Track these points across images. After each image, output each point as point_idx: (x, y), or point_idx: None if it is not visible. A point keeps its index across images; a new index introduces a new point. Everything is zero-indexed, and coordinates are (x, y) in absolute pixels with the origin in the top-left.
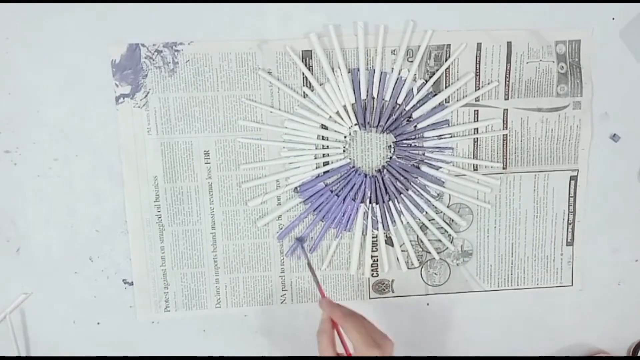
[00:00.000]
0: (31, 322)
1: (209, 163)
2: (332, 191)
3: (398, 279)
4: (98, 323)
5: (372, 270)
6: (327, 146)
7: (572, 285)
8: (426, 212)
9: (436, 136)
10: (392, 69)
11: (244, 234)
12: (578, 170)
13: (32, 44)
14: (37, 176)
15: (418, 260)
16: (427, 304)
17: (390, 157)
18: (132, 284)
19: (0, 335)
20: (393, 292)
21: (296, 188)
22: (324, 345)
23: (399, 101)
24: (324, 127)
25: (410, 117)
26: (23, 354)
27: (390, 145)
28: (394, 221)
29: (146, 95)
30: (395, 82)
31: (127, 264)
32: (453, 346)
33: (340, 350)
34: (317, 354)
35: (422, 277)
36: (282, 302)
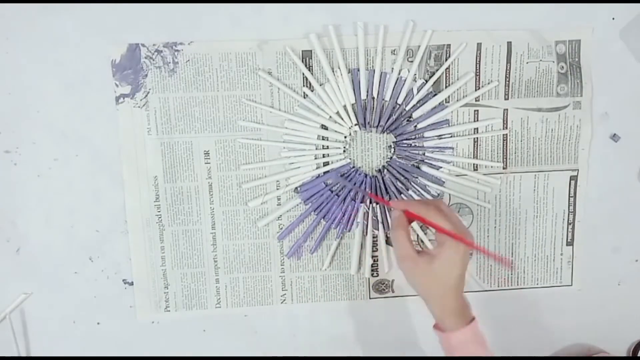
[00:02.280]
0: (31, 322)
1: (209, 163)
2: (332, 191)
3: (398, 279)
4: (98, 323)
5: (372, 270)
6: (328, 146)
7: (572, 285)
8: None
9: (436, 136)
10: (392, 69)
11: (244, 234)
12: (578, 170)
13: (32, 44)
14: (37, 176)
15: None
16: None
17: (391, 157)
18: (132, 284)
19: (0, 335)
20: (393, 292)
21: (296, 188)
22: (399, 238)
23: (399, 101)
24: (324, 127)
25: (410, 117)
26: (23, 354)
27: (391, 145)
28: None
29: (146, 95)
30: (395, 82)
31: (127, 264)
32: None
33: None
34: (317, 354)
35: None
36: (282, 302)
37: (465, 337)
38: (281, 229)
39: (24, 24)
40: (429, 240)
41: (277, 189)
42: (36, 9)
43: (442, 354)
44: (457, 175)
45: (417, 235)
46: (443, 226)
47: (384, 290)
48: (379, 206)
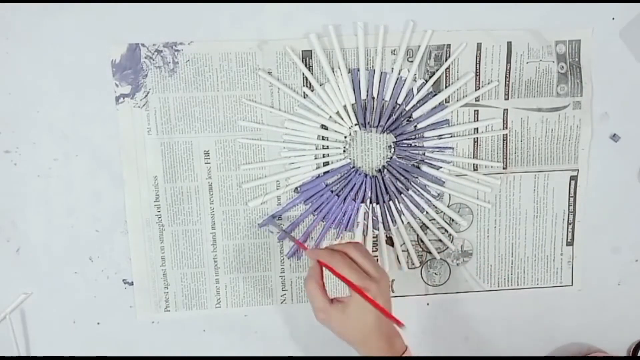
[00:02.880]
0: (31, 322)
1: (209, 163)
2: (332, 191)
3: (398, 278)
4: (98, 323)
5: None
6: (328, 146)
7: (572, 285)
8: (427, 212)
9: (436, 136)
10: (392, 69)
11: (244, 234)
12: (578, 170)
13: (32, 44)
14: (37, 176)
15: (419, 260)
16: (427, 304)
17: (391, 157)
18: (132, 284)
19: (0, 335)
20: (393, 292)
21: (296, 188)
22: (311, 291)
23: (399, 101)
24: (324, 127)
25: (410, 117)
26: (23, 354)
27: (391, 145)
28: (395, 221)
29: (146, 95)
30: (395, 82)
31: (127, 264)
32: (453, 346)
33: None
34: (317, 354)
35: (422, 277)
36: (282, 302)
37: None
38: (280, 228)
39: (24, 24)
40: (429, 240)
41: (277, 189)
42: (36, 9)
43: (442, 354)
44: (457, 175)
45: (417, 235)
46: (346, 275)
47: None
48: (380, 206)
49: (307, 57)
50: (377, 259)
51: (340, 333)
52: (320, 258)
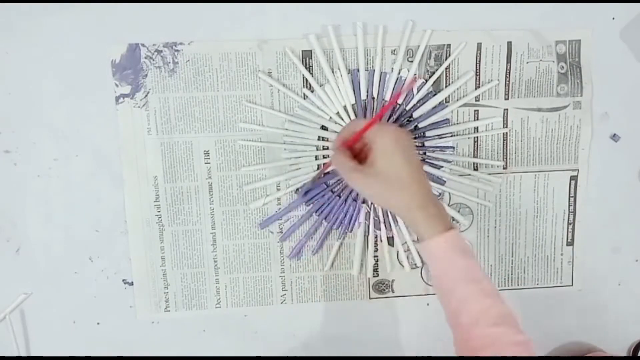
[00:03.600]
0: (31, 322)
1: (209, 163)
2: (333, 192)
3: (398, 279)
4: (98, 323)
5: (373, 270)
6: (328, 147)
7: (572, 285)
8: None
9: (437, 135)
10: (392, 68)
11: (244, 234)
12: (578, 170)
13: (32, 44)
14: (37, 176)
15: (420, 259)
16: (427, 304)
17: None
18: (132, 284)
19: (0, 335)
20: (393, 292)
21: (297, 189)
22: (342, 160)
23: (399, 101)
24: (324, 128)
25: (410, 116)
26: (23, 354)
27: None
28: (396, 221)
29: (146, 95)
30: (395, 82)
31: (127, 264)
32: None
33: None
34: (317, 354)
35: (422, 277)
36: (282, 302)
37: (444, 245)
38: (282, 229)
39: (24, 24)
40: None
41: (278, 189)
42: (36, 9)
43: (442, 354)
44: (460, 175)
45: None
46: (356, 129)
47: (384, 290)
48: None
49: (307, 57)
50: (378, 259)
51: (376, 191)
52: (336, 143)
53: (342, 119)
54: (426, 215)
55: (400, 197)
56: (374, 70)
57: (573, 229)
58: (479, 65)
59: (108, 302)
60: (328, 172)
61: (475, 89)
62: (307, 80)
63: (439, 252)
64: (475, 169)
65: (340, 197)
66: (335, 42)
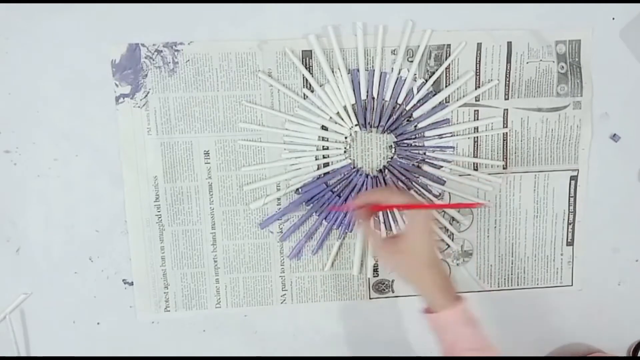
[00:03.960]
0: (31, 322)
1: (209, 163)
2: (333, 192)
3: (398, 278)
4: (98, 323)
5: (373, 270)
6: (328, 147)
7: (572, 285)
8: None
9: (437, 135)
10: (392, 68)
11: (244, 234)
12: (578, 170)
13: (32, 43)
14: (37, 176)
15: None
16: None
17: (392, 157)
18: (132, 284)
19: (0, 335)
20: (393, 292)
21: (298, 189)
22: (367, 232)
23: (399, 101)
24: (324, 128)
25: (410, 116)
26: (23, 354)
27: (391, 145)
28: (397, 221)
29: (146, 95)
30: (395, 82)
31: (127, 264)
32: None
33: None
34: (317, 354)
35: None
36: (282, 302)
37: (455, 317)
38: (282, 229)
39: (24, 24)
40: None
41: (278, 190)
42: (36, 9)
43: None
44: (460, 175)
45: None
46: (396, 202)
47: (384, 290)
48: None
49: (307, 57)
50: (379, 259)
51: (396, 265)
52: (368, 199)
53: (342, 119)
54: (443, 291)
55: (427, 274)
56: (373, 70)
57: (573, 229)
58: (479, 65)
59: (108, 302)
60: (328, 173)
61: (475, 89)
62: (307, 80)
63: (449, 322)
64: (475, 169)
65: (340, 197)
66: (335, 42)
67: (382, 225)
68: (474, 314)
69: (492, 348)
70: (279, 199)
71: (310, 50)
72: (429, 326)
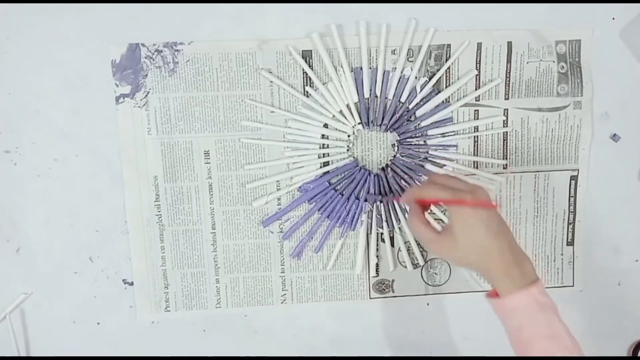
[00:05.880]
0: (31, 322)
1: (209, 163)
2: (336, 190)
3: (398, 278)
4: (98, 323)
5: (374, 270)
6: (330, 145)
7: (573, 285)
8: (431, 210)
9: (439, 134)
10: (395, 67)
11: (244, 234)
12: (578, 170)
13: (32, 44)
14: (37, 176)
15: (423, 258)
16: (427, 304)
17: (394, 156)
18: (132, 284)
19: (0, 335)
20: (393, 292)
21: (300, 187)
22: (416, 227)
23: (402, 99)
24: (327, 126)
25: (413, 115)
26: (23, 354)
27: (394, 144)
28: (399, 219)
29: (146, 95)
30: (398, 81)
31: (127, 264)
32: (453, 346)
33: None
34: (317, 354)
35: (422, 277)
36: (282, 302)
37: (521, 302)
38: (282, 229)
39: (24, 24)
40: None
41: (278, 189)
42: (36, 9)
43: (442, 354)
44: (463, 174)
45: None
46: (439, 197)
47: (384, 290)
48: (383, 204)
49: (307, 57)
50: (379, 258)
51: (456, 259)
52: (413, 195)
53: (345, 117)
54: (507, 275)
55: (483, 264)
56: (376, 69)
57: (573, 229)
58: (479, 65)
59: (108, 302)
60: (330, 171)
61: (476, 89)
62: (308, 78)
63: (515, 309)
64: (476, 168)
65: (342, 195)
66: (338, 41)
67: (385, 224)
68: (545, 299)
69: (561, 338)
70: (279, 198)
71: (311, 51)
72: (497, 311)
